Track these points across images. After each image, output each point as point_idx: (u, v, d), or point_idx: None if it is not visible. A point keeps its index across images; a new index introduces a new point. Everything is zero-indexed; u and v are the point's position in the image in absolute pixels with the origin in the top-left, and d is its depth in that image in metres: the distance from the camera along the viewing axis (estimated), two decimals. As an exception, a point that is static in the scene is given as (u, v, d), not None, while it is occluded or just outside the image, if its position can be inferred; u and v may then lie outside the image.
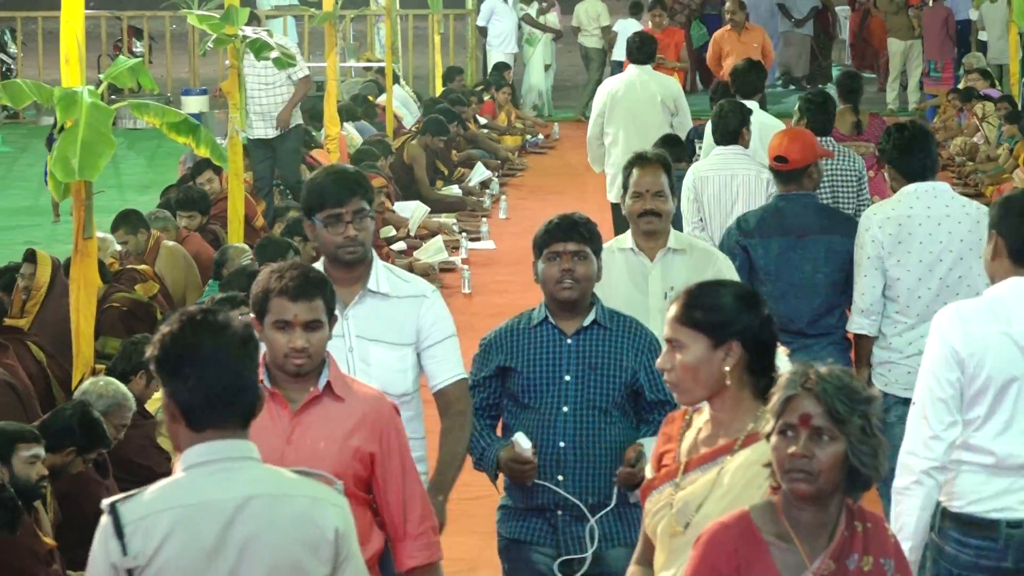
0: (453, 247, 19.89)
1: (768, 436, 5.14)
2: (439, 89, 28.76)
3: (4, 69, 33.36)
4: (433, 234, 20.29)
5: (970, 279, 9.43)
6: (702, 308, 5.71)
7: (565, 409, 7.64)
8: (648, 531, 5.76)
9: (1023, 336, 6.95)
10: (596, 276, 7.69)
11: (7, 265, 12.45)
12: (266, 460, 5.31)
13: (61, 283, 12.88)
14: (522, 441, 7.59)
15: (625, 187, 8.83)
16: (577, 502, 7.59)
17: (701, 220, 12.29)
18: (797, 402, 5.08)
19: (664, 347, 5.85)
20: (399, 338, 7.49)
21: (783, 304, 9.83)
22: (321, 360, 6.57)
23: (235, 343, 5.17)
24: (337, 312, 6.83)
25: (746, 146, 12.50)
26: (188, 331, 5.15)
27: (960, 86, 28.69)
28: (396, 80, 26.58)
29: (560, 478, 7.67)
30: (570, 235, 7.64)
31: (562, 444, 7.61)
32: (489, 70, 31.26)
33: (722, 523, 5.22)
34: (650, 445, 6.59)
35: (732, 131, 12.46)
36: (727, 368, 5.67)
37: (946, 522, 7.02)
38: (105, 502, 5.07)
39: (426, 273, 18.32)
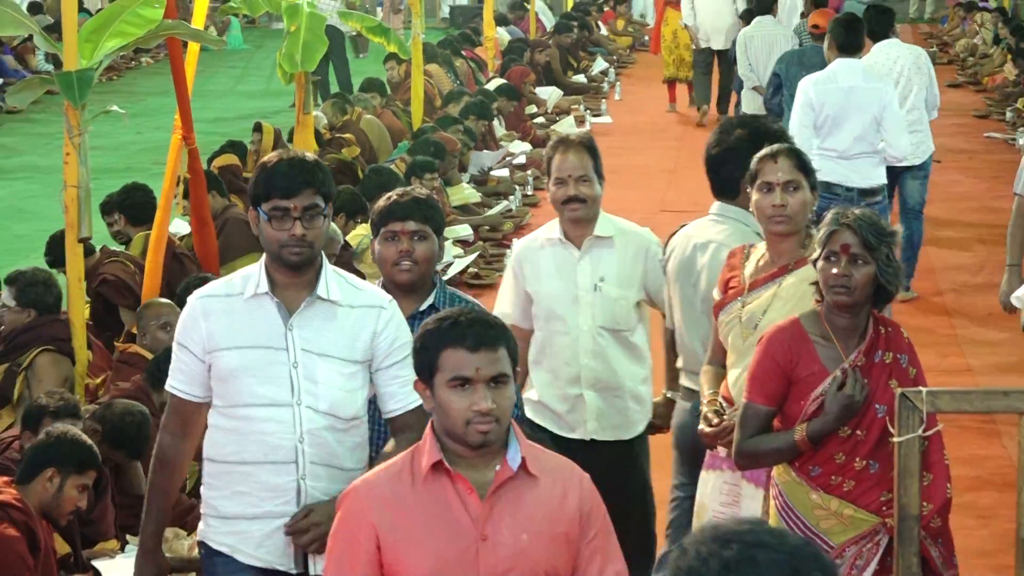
0: (580, 120, 19.89)
1: (815, 261, 5.14)
2: (570, 3, 28.54)
3: (244, -14, 33.49)
4: (565, 111, 20.34)
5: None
6: (804, 159, 5.73)
7: None
8: (720, 338, 5.75)
9: (844, 88, 10.11)
10: (437, 257, 5.41)
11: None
12: (456, 562, 3.86)
13: (283, 146, 13.00)
14: None
15: (548, 172, 6.30)
16: None
17: (750, 66, 15.42)
18: (839, 235, 5.07)
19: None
20: (350, 353, 4.82)
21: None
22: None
23: None
24: (280, 320, 4.76)
25: (775, 15, 15.37)
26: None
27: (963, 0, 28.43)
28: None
29: None
30: (410, 213, 5.31)
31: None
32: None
33: (779, 326, 5.24)
34: None
35: (767, 5, 15.82)
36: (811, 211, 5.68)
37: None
38: None
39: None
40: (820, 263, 5.10)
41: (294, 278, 4.79)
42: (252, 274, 4.83)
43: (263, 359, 4.74)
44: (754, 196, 5.60)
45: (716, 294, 5.80)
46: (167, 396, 4.99)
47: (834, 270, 5.05)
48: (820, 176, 8.73)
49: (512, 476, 3.92)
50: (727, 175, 6.04)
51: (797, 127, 9.96)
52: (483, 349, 3.84)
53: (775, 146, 5.70)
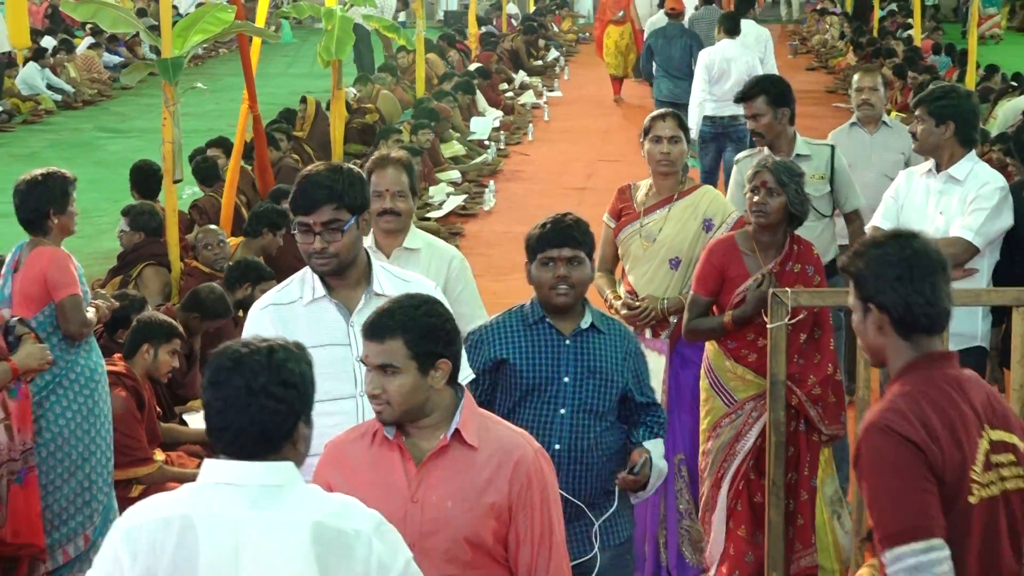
0: (538, 94, 19.71)
1: (746, 194, 5.15)
2: (532, 6, 28.21)
3: (293, -5, 32.97)
4: (528, 87, 20.20)
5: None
6: (684, 121, 5.70)
7: (563, 411, 4.19)
8: (620, 250, 5.71)
9: (726, 57, 11.23)
10: (590, 279, 4.26)
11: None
12: (389, 520, 2.88)
13: (322, 113, 12.86)
14: None
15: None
16: (579, 503, 4.16)
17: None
18: (760, 175, 5.11)
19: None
20: None
21: (666, 68, 13.24)
22: (451, 404, 3.28)
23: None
24: (341, 319, 3.85)
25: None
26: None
27: (818, 7, 28.44)
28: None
29: None
30: (565, 240, 4.20)
31: (557, 446, 4.15)
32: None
33: (718, 240, 5.29)
34: (655, 448, 4.28)
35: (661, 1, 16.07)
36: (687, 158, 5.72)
37: (705, 120, 11.26)
38: None
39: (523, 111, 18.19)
40: (747, 195, 5.13)
41: (341, 281, 3.85)
42: (306, 279, 3.90)
43: (329, 356, 3.74)
44: (646, 146, 5.60)
45: (608, 219, 5.75)
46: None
47: (755, 198, 5.09)
48: (709, 111, 11.31)
49: (446, 445, 3.22)
50: None
51: (701, 80, 11.31)
52: (371, 340, 3.19)
53: (664, 110, 5.73)
